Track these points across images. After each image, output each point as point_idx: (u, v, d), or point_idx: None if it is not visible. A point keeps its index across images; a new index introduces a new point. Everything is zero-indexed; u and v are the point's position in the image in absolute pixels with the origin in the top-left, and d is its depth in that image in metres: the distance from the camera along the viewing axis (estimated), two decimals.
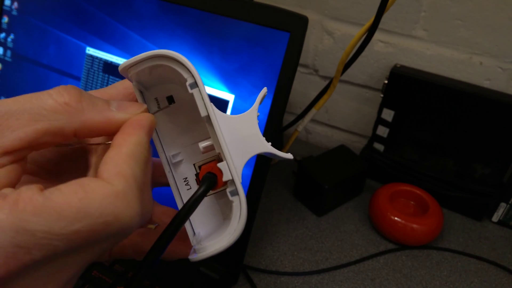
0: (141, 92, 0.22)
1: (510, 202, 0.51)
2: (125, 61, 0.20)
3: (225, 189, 0.20)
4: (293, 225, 0.52)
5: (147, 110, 0.22)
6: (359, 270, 0.46)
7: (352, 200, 0.56)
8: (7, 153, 0.17)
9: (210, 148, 0.22)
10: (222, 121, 0.22)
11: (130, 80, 0.22)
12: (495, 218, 0.53)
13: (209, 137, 0.21)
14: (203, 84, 0.20)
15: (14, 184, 0.18)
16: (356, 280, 0.45)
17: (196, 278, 0.41)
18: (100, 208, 0.16)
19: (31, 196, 0.15)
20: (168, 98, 0.23)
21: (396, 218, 0.48)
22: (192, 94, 0.20)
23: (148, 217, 0.18)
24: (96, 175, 0.17)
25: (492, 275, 0.46)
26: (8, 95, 0.50)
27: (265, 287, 0.44)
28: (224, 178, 0.20)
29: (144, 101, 0.23)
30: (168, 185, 0.24)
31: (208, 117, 0.20)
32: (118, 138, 0.19)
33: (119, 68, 0.21)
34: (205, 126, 0.21)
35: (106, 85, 0.44)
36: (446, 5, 0.51)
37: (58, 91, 0.18)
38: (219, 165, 0.20)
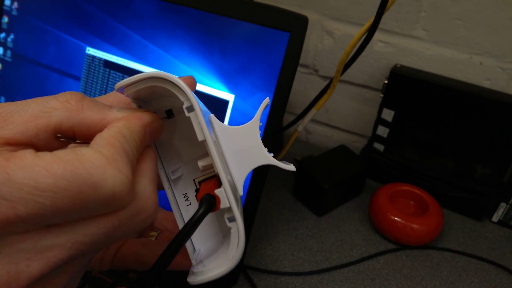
0: (139, 107, 0.22)
1: (510, 202, 0.51)
2: (121, 81, 0.20)
3: (224, 209, 0.20)
4: (293, 225, 0.52)
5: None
6: (359, 270, 0.46)
7: (352, 200, 0.56)
8: (8, 143, 0.17)
9: (209, 167, 0.22)
10: (223, 133, 0.22)
11: (127, 96, 0.21)
12: (495, 218, 0.53)
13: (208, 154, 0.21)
14: (200, 108, 0.20)
15: None
16: (356, 280, 0.45)
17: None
18: (88, 169, 0.15)
19: (22, 155, 0.15)
20: (167, 112, 0.23)
21: (396, 218, 0.48)
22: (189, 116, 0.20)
23: (150, 210, 0.18)
24: None
25: (492, 275, 0.46)
26: (8, 95, 0.50)
27: (265, 287, 0.44)
28: (222, 206, 0.20)
29: None
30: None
31: (205, 142, 0.20)
32: (112, 122, 0.19)
33: (115, 87, 0.21)
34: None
35: (106, 86, 0.44)
36: (446, 5, 0.51)
37: (62, 93, 0.19)
38: (217, 191, 0.20)
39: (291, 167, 0.23)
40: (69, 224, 0.16)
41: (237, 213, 0.20)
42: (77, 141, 0.20)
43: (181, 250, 0.20)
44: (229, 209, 0.20)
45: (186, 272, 0.22)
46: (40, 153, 0.15)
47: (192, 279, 0.21)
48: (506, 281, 0.46)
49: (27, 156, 0.15)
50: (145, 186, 0.18)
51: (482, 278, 0.46)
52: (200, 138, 0.20)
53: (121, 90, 0.21)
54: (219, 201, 0.20)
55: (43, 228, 0.16)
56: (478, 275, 0.46)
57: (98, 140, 0.17)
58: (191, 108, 0.20)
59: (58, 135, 0.19)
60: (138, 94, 0.21)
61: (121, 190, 0.16)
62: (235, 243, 0.20)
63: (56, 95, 0.19)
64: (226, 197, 0.20)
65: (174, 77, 0.20)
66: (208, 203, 0.20)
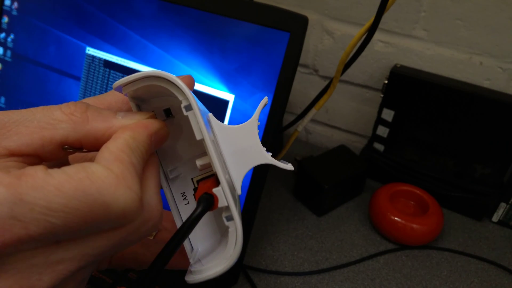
0: (138, 106, 0.22)
1: (510, 202, 0.51)
2: (119, 80, 0.20)
3: (222, 208, 0.20)
4: (293, 225, 0.52)
5: (154, 116, 0.22)
6: (359, 270, 0.46)
7: (352, 200, 0.56)
8: (13, 155, 0.18)
9: (207, 166, 0.22)
10: (221, 132, 0.22)
11: (125, 95, 0.21)
12: (495, 218, 0.53)
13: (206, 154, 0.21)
14: (198, 107, 0.20)
15: None
16: (356, 280, 0.45)
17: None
18: (99, 189, 0.16)
19: (33, 173, 0.15)
20: (165, 111, 0.23)
21: (396, 218, 0.48)
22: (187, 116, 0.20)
23: (156, 219, 0.18)
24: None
25: (492, 275, 0.46)
26: (8, 95, 0.50)
27: (265, 287, 0.44)
28: (220, 204, 0.20)
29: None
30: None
31: (203, 140, 0.20)
32: (117, 132, 0.19)
33: (113, 86, 0.21)
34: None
35: (106, 86, 0.44)
36: (446, 5, 0.51)
37: (67, 104, 0.19)
38: (215, 190, 0.20)
39: (289, 167, 0.23)
40: (78, 239, 0.16)
41: (235, 212, 0.20)
42: (84, 150, 0.20)
43: (179, 249, 0.20)
44: (227, 208, 0.20)
45: (185, 272, 0.22)
46: (51, 171, 0.16)
47: (190, 278, 0.21)
48: (506, 281, 0.46)
49: (38, 174, 0.15)
50: (151, 196, 0.19)
51: (482, 278, 0.46)
52: (198, 137, 0.20)
53: (119, 89, 0.21)
54: (217, 200, 0.20)
55: (53, 243, 0.16)
56: (478, 275, 0.46)
57: (105, 154, 0.17)
58: (189, 107, 0.20)
59: (65, 146, 0.19)
60: (136, 93, 0.21)
61: (131, 208, 0.16)
62: (232, 242, 0.20)
63: (61, 105, 0.19)
64: (224, 196, 0.20)
65: (172, 76, 0.20)
66: (206, 202, 0.20)
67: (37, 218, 0.14)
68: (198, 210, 0.20)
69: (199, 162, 0.22)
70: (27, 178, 0.15)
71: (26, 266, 0.15)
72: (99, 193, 0.16)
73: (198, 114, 0.20)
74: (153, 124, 0.20)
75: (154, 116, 0.22)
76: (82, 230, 0.16)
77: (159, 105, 0.23)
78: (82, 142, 0.19)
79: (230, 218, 0.20)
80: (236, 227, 0.20)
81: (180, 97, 0.20)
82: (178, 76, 0.22)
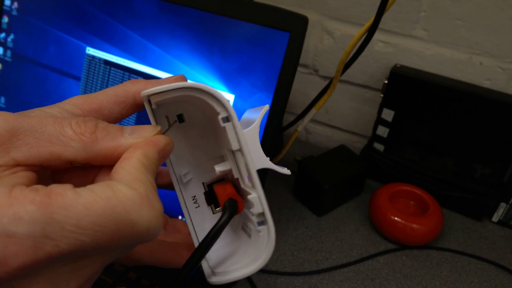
0: (152, 110, 0.22)
1: (510, 202, 0.51)
2: (150, 89, 0.20)
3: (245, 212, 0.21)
4: (293, 225, 0.52)
5: (161, 132, 0.22)
6: (359, 270, 0.46)
7: (352, 200, 0.56)
8: (19, 165, 0.18)
9: (227, 172, 0.22)
10: None
11: (144, 100, 0.22)
12: (495, 218, 0.53)
13: (222, 158, 0.22)
14: (237, 118, 0.20)
15: (29, 185, 0.18)
16: (356, 280, 0.45)
17: (197, 278, 0.41)
18: (126, 207, 0.16)
19: (62, 192, 0.16)
20: (178, 116, 0.23)
21: (396, 218, 0.48)
22: (217, 122, 0.20)
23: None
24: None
25: (492, 275, 0.46)
26: (8, 95, 0.50)
27: (265, 287, 0.44)
28: (255, 211, 0.21)
29: (155, 119, 0.23)
30: (162, 187, 0.24)
31: (239, 150, 0.20)
32: (128, 151, 0.20)
33: (142, 94, 0.21)
34: (215, 144, 0.21)
35: (106, 86, 0.44)
36: (446, 5, 0.51)
37: (77, 121, 0.19)
38: (250, 197, 0.21)
39: (285, 171, 0.23)
40: (104, 251, 0.17)
41: (269, 217, 0.21)
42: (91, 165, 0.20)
43: (172, 248, 0.20)
44: (260, 214, 0.21)
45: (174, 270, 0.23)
46: (79, 190, 0.16)
47: (214, 279, 0.21)
48: (506, 281, 0.46)
49: (68, 193, 0.16)
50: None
51: (482, 278, 0.46)
52: (234, 147, 0.20)
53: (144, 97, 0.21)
54: (242, 205, 0.21)
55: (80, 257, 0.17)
56: (478, 275, 0.46)
57: (123, 175, 0.18)
58: (226, 119, 0.20)
59: (73, 163, 0.19)
60: (157, 100, 0.21)
61: (155, 226, 0.17)
62: (263, 244, 0.21)
63: (71, 121, 0.19)
64: (260, 203, 0.21)
65: (212, 89, 0.20)
66: (232, 208, 0.21)
67: (67, 236, 0.15)
68: (225, 216, 0.21)
69: (218, 168, 0.22)
70: (57, 197, 0.15)
71: (55, 275, 0.16)
72: (125, 211, 0.16)
73: (237, 125, 0.20)
74: (161, 141, 0.21)
75: (161, 132, 0.22)
76: (109, 247, 0.16)
77: (171, 111, 0.23)
78: (90, 160, 0.19)
79: (262, 223, 0.21)
80: (269, 230, 0.21)
81: (218, 109, 0.20)
82: (171, 77, 0.22)
